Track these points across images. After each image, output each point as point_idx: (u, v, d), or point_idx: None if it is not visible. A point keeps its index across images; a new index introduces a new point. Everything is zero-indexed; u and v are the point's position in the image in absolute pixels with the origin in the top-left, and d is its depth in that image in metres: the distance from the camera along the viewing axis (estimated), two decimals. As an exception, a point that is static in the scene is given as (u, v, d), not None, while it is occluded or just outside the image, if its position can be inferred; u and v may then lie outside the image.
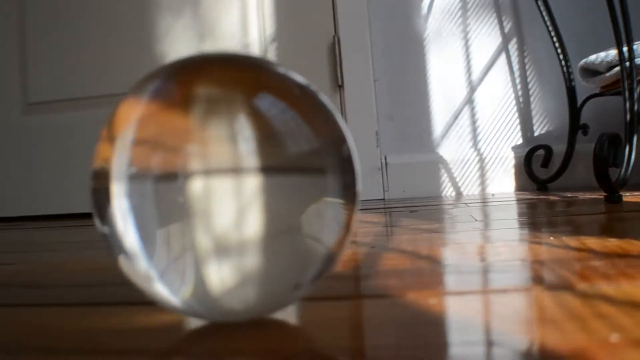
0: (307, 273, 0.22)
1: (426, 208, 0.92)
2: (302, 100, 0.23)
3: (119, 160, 0.21)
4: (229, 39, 1.45)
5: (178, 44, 1.45)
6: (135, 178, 0.20)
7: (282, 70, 0.24)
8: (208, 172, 0.20)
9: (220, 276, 0.21)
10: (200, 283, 0.21)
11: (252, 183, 0.20)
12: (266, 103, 0.21)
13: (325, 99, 0.24)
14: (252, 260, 0.20)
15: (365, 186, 1.34)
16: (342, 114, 1.38)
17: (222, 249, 0.20)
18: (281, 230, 0.20)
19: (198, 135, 0.20)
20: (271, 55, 1.43)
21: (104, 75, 1.52)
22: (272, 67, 0.24)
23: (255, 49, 1.44)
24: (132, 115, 0.22)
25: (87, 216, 1.33)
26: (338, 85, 1.39)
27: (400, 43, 1.40)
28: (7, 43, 1.58)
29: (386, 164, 1.38)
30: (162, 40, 1.46)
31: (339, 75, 1.39)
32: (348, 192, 0.23)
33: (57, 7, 1.55)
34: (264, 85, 0.22)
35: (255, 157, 0.20)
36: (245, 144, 0.20)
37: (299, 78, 0.24)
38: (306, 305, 0.28)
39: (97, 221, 0.23)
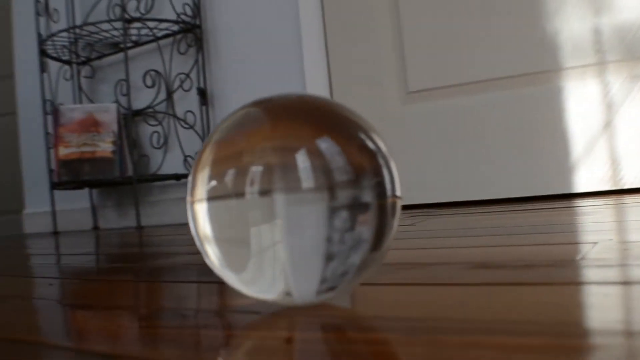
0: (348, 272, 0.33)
1: None
2: (349, 142, 0.32)
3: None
4: (626, 13, 1.43)
5: (571, 21, 1.48)
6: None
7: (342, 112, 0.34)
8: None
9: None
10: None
11: (309, 199, 0.30)
12: (324, 143, 0.31)
13: (373, 136, 0.34)
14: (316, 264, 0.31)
15: None
16: None
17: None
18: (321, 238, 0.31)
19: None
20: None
21: (481, 60, 1.58)
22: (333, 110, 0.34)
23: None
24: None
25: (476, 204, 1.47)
26: None
27: None
28: (383, 34, 1.71)
29: None
30: (552, 18, 1.50)
31: None
32: (379, 208, 0.32)
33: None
34: (320, 131, 0.32)
35: (311, 180, 0.30)
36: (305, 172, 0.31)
37: (354, 117, 0.34)
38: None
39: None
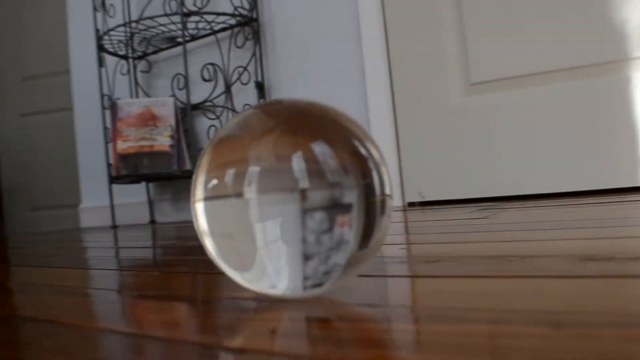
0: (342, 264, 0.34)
1: None
2: (342, 146, 0.34)
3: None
4: None
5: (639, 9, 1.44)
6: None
7: (341, 120, 0.36)
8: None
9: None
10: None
11: (307, 199, 0.32)
12: (320, 147, 0.33)
13: (366, 142, 0.35)
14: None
15: None
16: None
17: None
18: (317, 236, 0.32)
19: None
20: None
21: (545, 50, 1.55)
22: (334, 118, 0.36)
23: None
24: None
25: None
26: None
27: None
28: (445, 25, 1.69)
29: None
30: (619, 7, 1.46)
31: None
32: (366, 207, 0.34)
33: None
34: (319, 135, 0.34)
35: (305, 182, 0.32)
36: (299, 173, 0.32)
37: (351, 126, 0.36)
38: None
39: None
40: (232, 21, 2.00)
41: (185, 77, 1.90)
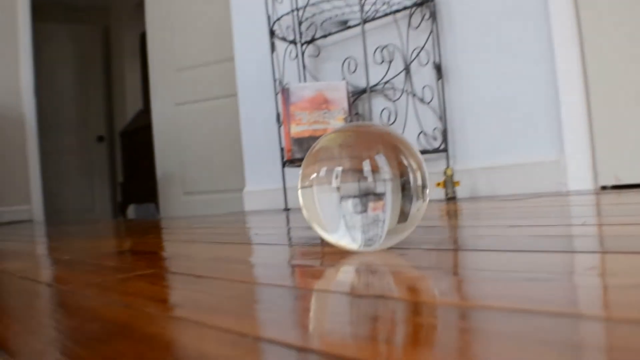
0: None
1: None
2: (394, 154, 0.56)
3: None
4: None
5: None
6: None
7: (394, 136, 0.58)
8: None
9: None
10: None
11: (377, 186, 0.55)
12: (380, 157, 0.55)
13: (409, 150, 0.57)
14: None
15: None
16: None
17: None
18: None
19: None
20: None
21: None
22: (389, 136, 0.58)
23: None
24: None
25: None
26: None
27: None
28: None
29: None
30: None
31: None
32: (404, 194, 0.55)
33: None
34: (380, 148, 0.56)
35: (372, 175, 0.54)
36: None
37: (399, 139, 0.58)
38: None
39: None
40: (408, 2, 2.02)
41: (365, 60, 1.94)
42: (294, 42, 2.35)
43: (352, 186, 0.55)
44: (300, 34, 2.32)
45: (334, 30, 2.26)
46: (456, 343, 0.25)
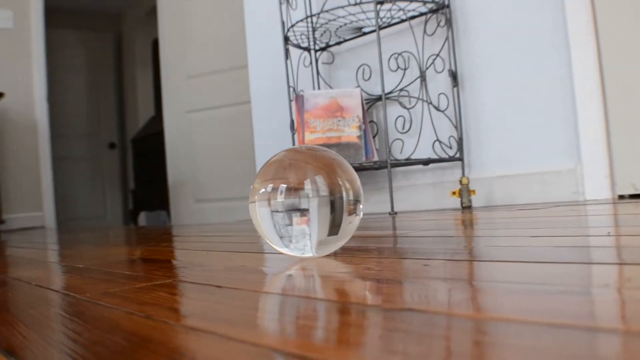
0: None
1: None
2: (329, 175, 0.66)
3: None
4: None
5: None
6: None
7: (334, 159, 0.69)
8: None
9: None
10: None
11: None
12: (309, 178, 0.65)
13: (345, 172, 0.68)
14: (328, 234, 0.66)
15: None
16: None
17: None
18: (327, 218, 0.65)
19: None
20: None
21: None
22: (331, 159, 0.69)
23: None
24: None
25: None
26: None
27: None
28: None
29: None
30: None
31: None
32: (333, 210, 0.65)
33: None
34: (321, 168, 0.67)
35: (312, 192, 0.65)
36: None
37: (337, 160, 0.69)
38: None
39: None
40: (423, 8, 2.03)
41: (380, 66, 1.94)
42: (307, 49, 2.37)
43: (279, 202, 0.65)
44: (315, 40, 2.33)
45: (348, 36, 2.27)
46: (471, 355, 0.26)
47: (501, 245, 0.69)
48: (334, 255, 0.71)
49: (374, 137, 2.18)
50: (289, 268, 0.64)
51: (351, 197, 0.67)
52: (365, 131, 2.10)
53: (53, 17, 4.72)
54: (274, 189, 0.66)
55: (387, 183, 2.15)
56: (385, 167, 1.98)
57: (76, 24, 5.34)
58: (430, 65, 2.05)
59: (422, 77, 2.06)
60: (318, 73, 2.39)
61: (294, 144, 2.21)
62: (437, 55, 2.02)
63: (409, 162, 1.96)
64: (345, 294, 0.45)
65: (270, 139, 2.63)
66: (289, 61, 2.24)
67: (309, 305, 0.41)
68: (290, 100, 2.24)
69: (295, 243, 0.67)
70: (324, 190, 0.65)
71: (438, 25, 2.02)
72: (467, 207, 1.85)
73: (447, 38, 2.00)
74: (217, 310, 0.42)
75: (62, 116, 5.09)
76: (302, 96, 2.14)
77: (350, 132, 2.11)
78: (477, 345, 0.27)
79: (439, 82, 2.05)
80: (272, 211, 0.66)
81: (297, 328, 0.34)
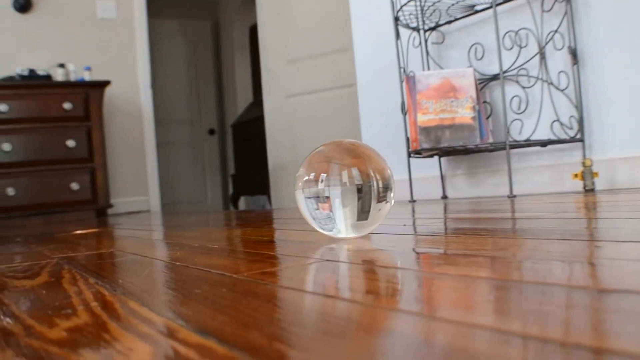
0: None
1: None
2: (364, 170, 0.79)
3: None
4: None
5: None
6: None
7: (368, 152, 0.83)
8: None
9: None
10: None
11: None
12: (354, 170, 0.79)
13: (376, 162, 0.81)
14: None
15: None
16: None
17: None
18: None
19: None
20: None
21: None
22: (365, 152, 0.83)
23: None
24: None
25: None
26: None
27: None
28: None
29: None
30: None
31: None
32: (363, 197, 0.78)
33: None
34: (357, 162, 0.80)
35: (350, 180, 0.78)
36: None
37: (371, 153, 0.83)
38: None
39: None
40: (542, -17, 1.99)
41: (498, 44, 1.93)
42: (417, 29, 2.38)
43: (308, 191, 0.79)
44: (424, 20, 2.34)
45: (459, 15, 2.27)
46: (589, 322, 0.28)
47: (624, 227, 0.69)
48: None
49: (487, 118, 2.17)
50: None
51: (380, 186, 0.77)
52: (479, 112, 2.10)
53: (154, 6, 4.95)
54: (308, 179, 0.79)
55: (501, 165, 2.14)
56: (500, 149, 1.97)
57: (176, 13, 5.57)
58: (548, 42, 2.01)
59: (542, 54, 2.03)
60: (427, 53, 2.40)
61: (405, 126, 2.24)
62: (556, 31, 1.99)
63: (528, 143, 1.95)
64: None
65: (378, 121, 2.67)
66: (398, 42, 2.26)
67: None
68: (401, 82, 2.27)
69: (324, 225, 0.81)
70: (349, 180, 0.76)
71: (556, 0, 1.98)
72: (589, 190, 1.82)
73: (565, 12, 1.96)
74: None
75: (164, 103, 5.34)
76: (414, 77, 2.16)
77: (464, 113, 2.11)
78: (596, 312, 0.29)
79: (556, 60, 2.02)
80: (305, 197, 0.80)
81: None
